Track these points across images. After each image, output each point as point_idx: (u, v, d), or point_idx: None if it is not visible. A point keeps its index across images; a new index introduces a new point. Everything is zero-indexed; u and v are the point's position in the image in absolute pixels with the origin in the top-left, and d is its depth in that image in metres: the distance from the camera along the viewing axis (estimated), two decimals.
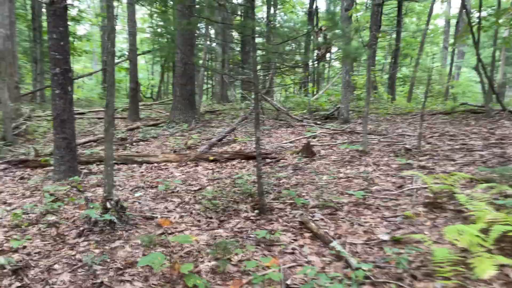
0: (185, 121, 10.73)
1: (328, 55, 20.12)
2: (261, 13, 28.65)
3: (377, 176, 5.26)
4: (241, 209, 4.38)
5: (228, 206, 4.49)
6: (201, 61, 12.48)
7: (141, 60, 35.19)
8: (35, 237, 4.01)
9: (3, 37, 9.06)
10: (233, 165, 6.47)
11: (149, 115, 13.43)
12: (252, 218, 4.12)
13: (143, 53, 22.07)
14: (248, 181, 5.35)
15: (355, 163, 5.96)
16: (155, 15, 25.67)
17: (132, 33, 12.63)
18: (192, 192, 5.19)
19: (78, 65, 36.38)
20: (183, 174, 6.21)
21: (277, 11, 24.23)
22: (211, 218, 4.23)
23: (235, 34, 24.03)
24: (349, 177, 5.35)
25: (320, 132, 8.53)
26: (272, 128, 9.92)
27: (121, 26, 31.04)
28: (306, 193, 4.79)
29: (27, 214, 4.63)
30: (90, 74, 22.52)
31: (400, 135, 7.90)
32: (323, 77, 24.90)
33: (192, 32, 10.68)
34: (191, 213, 4.42)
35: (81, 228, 4.07)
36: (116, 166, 6.81)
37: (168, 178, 6.07)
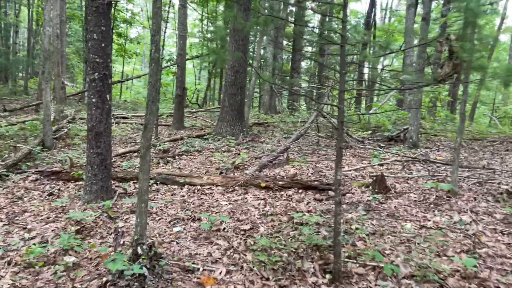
0: (232, 134, 9.85)
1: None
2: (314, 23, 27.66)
3: (481, 232, 4.05)
4: (306, 269, 3.34)
5: (289, 262, 3.47)
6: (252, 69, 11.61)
7: (188, 65, 35.13)
8: (47, 287, 3.18)
9: (49, 36, 8.59)
10: (289, 196, 5.44)
11: (194, 124, 12.72)
12: (323, 287, 3.07)
13: (192, 58, 21.64)
14: (311, 223, 4.31)
15: (444, 207, 4.76)
16: (206, 20, 25.33)
17: (182, 37, 11.99)
18: (242, 233, 4.21)
19: (128, 67, 37.01)
20: (230, 203, 5.26)
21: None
22: (267, 279, 3.22)
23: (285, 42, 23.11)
24: (440, 228, 4.17)
25: (389, 159, 7.33)
26: (329, 148, 8.82)
27: (171, 30, 31.07)
28: (390, 250, 3.67)
29: (45, 247, 3.84)
30: (138, 77, 22.39)
31: (489, 169, 6.56)
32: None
33: (245, 38, 9.82)
34: (242, 267, 3.43)
35: (104, 280, 3.19)
36: (154, 186, 5.99)
37: (213, 207, 5.14)
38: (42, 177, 6.42)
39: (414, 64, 8.43)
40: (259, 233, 4.15)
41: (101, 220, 4.59)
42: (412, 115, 8.65)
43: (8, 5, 21.76)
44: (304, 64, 29.21)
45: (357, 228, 4.16)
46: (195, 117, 15.42)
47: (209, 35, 24.35)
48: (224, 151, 8.71)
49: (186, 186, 6.03)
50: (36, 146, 8.61)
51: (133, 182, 6.21)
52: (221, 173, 6.48)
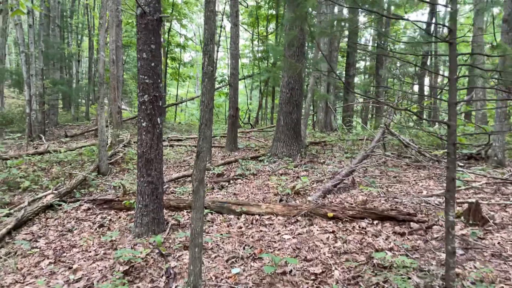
0: (288, 155, 9.22)
1: None
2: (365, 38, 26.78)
3: None
4: None
5: None
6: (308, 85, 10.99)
7: (240, 85, 35.35)
8: None
9: (103, 61, 8.56)
10: (363, 228, 4.68)
11: (247, 144, 12.25)
12: None
13: (244, 77, 21.48)
14: (396, 266, 3.53)
15: None
16: (256, 40, 25.24)
17: (235, 56, 11.68)
18: (313, 277, 3.52)
19: (182, 90, 37.95)
20: (293, 237, 4.60)
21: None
22: None
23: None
24: None
25: (474, 181, 6.31)
26: (398, 169, 7.90)
27: (222, 52, 31.45)
28: None
29: None
30: (192, 99, 22.57)
31: None
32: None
33: (300, 53, 9.25)
34: None
35: None
36: (209, 216, 5.47)
37: (275, 241, 4.51)
38: (94, 206, 6.15)
39: None
40: (334, 279, 3.44)
41: (151, 258, 4.11)
42: (496, 128, 7.54)
43: (70, 36, 22.98)
44: (357, 80, 28.17)
45: (458, 274, 3.32)
46: (248, 137, 15.00)
47: (259, 55, 24.19)
48: (281, 174, 8.09)
49: (243, 215, 5.46)
50: (91, 172, 8.50)
51: (187, 211, 5.74)
52: (281, 200, 5.84)
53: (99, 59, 9.02)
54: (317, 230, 4.74)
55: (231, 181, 7.75)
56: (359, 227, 4.74)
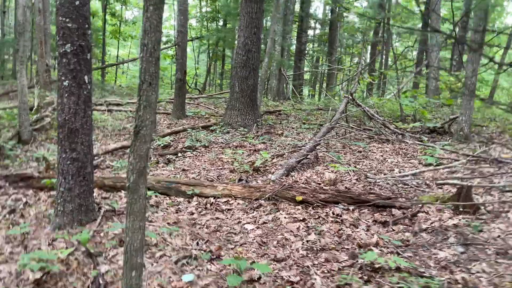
0: (244, 125, 8.34)
1: None
2: None
3: None
4: None
5: None
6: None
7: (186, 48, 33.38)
8: None
9: (23, 7, 7.01)
10: (338, 216, 3.98)
11: (197, 112, 11.18)
12: None
13: (193, 39, 19.96)
14: (388, 269, 2.86)
15: None
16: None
17: (183, 12, 10.37)
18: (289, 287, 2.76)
19: (123, 50, 35.26)
20: (257, 227, 3.81)
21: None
22: None
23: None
24: None
25: (449, 158, 5.86)
26: (362, 142, 7.35)
27: (169, 13, 29.35)
28: None
29: None
30: (134, 59, 20.72)
31: None
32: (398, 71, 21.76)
33: (259, 10, 8.23)
34: None
35: None
36: (153, 198, 4.52)
37: (235, 233, 3.70)
38: (7, 184, 4.93)
39: None
40: None
41: (75, 259, 3.13)
42: (464, 103, 7.16)
43: None
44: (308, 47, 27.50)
45: (464, 279, 2.71)
46: (197, 104, 13.87)
47: (208, 15, 22.56)
48: (236, 147, 7.23)
49: (195, 198, 4.57)
50: (9, 140, 7.11)
51: (125, 194, 4.74)
52: (239, 180, 4.99)
53: (18, 4, 7.43)
54: (285, 217, 3.98)
55: (179, 154, 6.78)
56: (333, 214, 4.04)
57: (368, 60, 20.08)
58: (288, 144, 7.25)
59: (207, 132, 8.36)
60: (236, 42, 8.81)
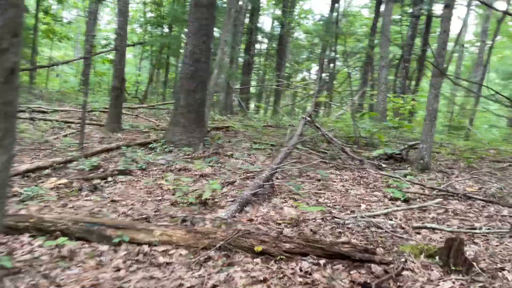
0: (188, 143, 7.37)
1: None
2: None
3: None
4: None
5: None
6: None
7: (128, 54, 31.54)
8: None
9: None
10: (307, 273, 3.18)
11: (135, 126, 10.01)
12: None
13: (135, 44, 18.59)
14: None
15: None
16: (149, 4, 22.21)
17: (123, 13, 9.26)
18: None
19: (58, 52, 32.72)
20: None
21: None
22: None
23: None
24: None
25: (411, 191, 5.33)
26: (317, 168, 6.69)
27: (111, 16, 27.63)
28: None
29: None
30: (66, 62, 18.91)
31: None
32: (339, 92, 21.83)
33: (211, 16, 7.38)
34: None
35: None
36: (65, 247, 3.43)
37: None
38: None
39: None
40: None
41: None
42: (425, 130, 6.78)
43: None
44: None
45: None
46: (136, 115, 12.64)
47: (153, 20, 21.26)
48: (179, 170, 6.25)
49: (123, 245, 3.54)
50: None
51: (32, 236, 3.60)
52: (183, 221, 4.02)
53: None
54: (241, 277, 3.09)
55: (110, 179, 5.66)
56: (301, 270, 3.23)
57: (320, 78, 19.93)
58: (239, 169, 6.41)
59: (146, 150, 7.29)
60: (183, 50, 7.86)
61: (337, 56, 19.62)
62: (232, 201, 4.74)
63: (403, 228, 4.11)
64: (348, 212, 4.65)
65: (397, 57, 21.09)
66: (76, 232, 3.60)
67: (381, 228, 4.03)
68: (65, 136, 8.77)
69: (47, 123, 10.01)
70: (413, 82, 21.10)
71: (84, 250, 3.44)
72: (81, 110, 8.17)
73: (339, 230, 4.04)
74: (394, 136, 10.93)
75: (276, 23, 24.97)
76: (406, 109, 11.69)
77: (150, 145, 7.49)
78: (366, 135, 8.77)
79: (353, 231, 3.99)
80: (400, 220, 4.36)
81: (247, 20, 20.26)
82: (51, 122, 10.07)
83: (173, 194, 5.04)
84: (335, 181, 6.04)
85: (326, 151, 7.84)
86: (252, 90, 25.49)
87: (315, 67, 30.02)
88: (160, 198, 5.01)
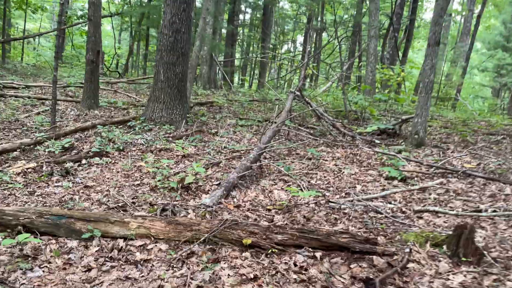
0: (170, 121, 6.91)
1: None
2: None
3: None
4: None
5: None
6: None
7: (106, 26, 30.15)
8: None
9: None
10: (302, 268, 2.85)
11: (113, 102, 9.43)
12: None
13: (112, 15, 17.60)
14: None
15: None
16: None
17: None
18: None
19: (33, 24, 31.20)
20: None
21: None
22: None
23: None
24: None
25: (409, 169, 5.02)
26: (303, 143, 6.33)
27: None
28: None
29: None
30: (40, 34, 17.88)
31: None
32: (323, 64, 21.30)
33: None
34: None
35: None
36: (30, 244, 3.02)
37: None
38: None
39: None
40: None
41: None
42: (420, 103, 6.43)
43: None
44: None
45: None
46: (115, 90, 11.98)
47: None
48: (160, 150, 5.81)
49: (95, 240, 3.15)
50: None
51: None
52: (163, 210, 3.62)
53: None
54: (229, 275, 2.75)
55: (84, 161, 5.20)
56: (296, 265, 2.90)
57: (310, 49, 19.34)
58: (224, 148, 6.00)
59: (124, 129, 6.81)
60: (161, 20, 7.28)
61: (325, 25, 19.00)
62: (217, 184, 4.36)
63: (403, 212, 3.80)
64: (343, 194, 4.32)
65: (385, 27, 20.55)
66: (41, 226, 3.18)
67: (380, 213, 3.72)
68: (38, 114, 8.19)
69: (18, 100, 9.36)
70: (400, 53, 20.69)
71: (50, 247, 3.04)
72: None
73: (335, 216, 3.71)
74: (384, 109, 10.61)
75: None
76: (396, 80, 11.30)
77: (129, 123, 7.01)
78: (357, 109, 8.41)
79: (350, 217, 3.67)
80: (400, 202, 4.05)
81: None
82: (23, 99, 9.42)
83: (153, 178, 4.63)
84: (326, 160, 5.70)
85: (316, 127, 7.46)
86: (237, 62, 24.77)
87: (300, 38, 29.33)
88: (138, 182, 4.60)
